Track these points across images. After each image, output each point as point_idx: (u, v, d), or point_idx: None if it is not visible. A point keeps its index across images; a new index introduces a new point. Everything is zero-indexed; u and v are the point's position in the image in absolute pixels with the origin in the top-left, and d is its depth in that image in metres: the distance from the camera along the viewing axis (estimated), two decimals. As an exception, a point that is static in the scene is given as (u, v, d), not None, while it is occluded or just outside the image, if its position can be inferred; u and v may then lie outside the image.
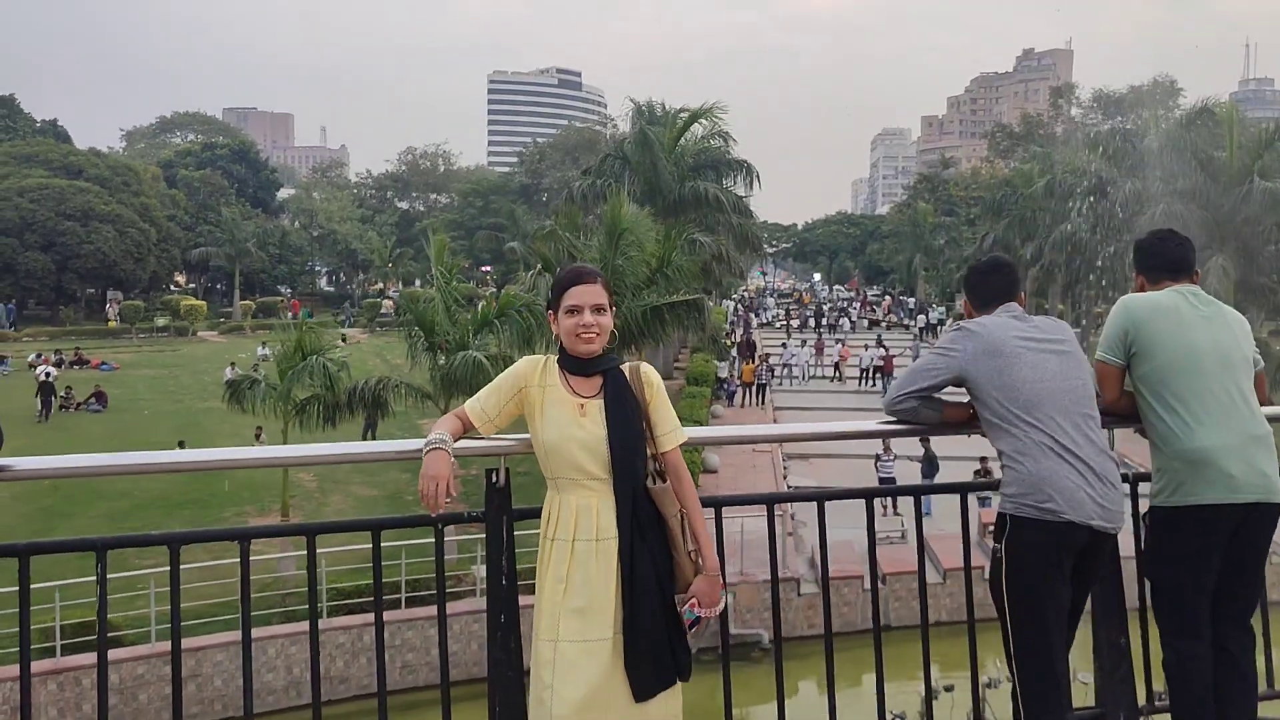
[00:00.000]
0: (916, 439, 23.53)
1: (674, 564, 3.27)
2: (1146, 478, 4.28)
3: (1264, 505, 3.66)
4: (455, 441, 3.30)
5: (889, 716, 4.09)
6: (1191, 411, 3.66)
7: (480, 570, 19.77)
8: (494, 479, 3.46)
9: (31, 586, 3.22)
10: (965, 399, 3.79)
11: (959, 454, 22.53)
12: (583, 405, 3.26)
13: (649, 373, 3.37)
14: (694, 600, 3.26)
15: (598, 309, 3.29)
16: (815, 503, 4.13)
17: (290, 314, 68.62)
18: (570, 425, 3.24)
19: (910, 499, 4.33)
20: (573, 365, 3.32)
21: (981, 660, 4.15)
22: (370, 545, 3.57)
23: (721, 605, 3.34)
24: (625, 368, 3.35)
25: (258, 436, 28.08)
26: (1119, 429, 4.01)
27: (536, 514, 3.42)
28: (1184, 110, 52.38)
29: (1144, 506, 3.98)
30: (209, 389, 42.37)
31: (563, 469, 3.25)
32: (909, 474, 24.49)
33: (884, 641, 4.11)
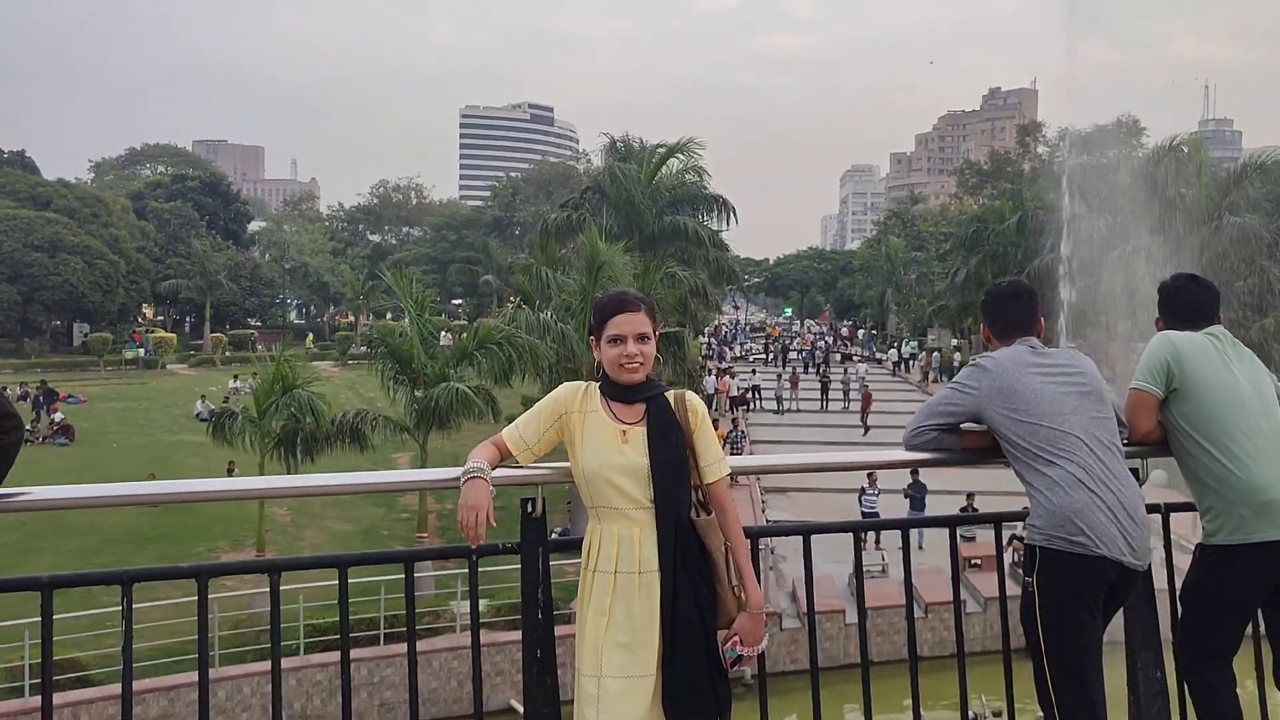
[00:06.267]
0: (906, 471, 23.55)
1: (717, 599, 3.19)
2: (1179, 508, 4.23)
3: None
4: (493, 470, 3.20)
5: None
6: (1244, 449, 3.64)
7: (459, 607, 19.47)
8: (530, 509, 3.35)
9: None
10: (984, 428, 3.74)
11: (943, 488, 22.54)
12: (625, 432, 3.17)
13: (694, 401, 3.27)
14: (736, 638, 3.19)
15: (641, 338, 3.20)
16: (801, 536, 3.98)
17: (139, 346, 66.44)
18: (612, 452, 3.15)
19: (895, 533, 4.21)
20: (615, 391, 3.22)
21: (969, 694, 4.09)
22: (403, 577, 3.47)
23: (764, 644, 3.26)
24: (670, 395, 3.26)
25: (230, 471, 27.67)
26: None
27: (573, 546, 3.33)
28: (1149, 149, 53.22)
29: (1179, 539, 3.92)
30: (179, 422, 41.87)
31: (604, 498, 3.15)
32: (892, 507, 24.40)
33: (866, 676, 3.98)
